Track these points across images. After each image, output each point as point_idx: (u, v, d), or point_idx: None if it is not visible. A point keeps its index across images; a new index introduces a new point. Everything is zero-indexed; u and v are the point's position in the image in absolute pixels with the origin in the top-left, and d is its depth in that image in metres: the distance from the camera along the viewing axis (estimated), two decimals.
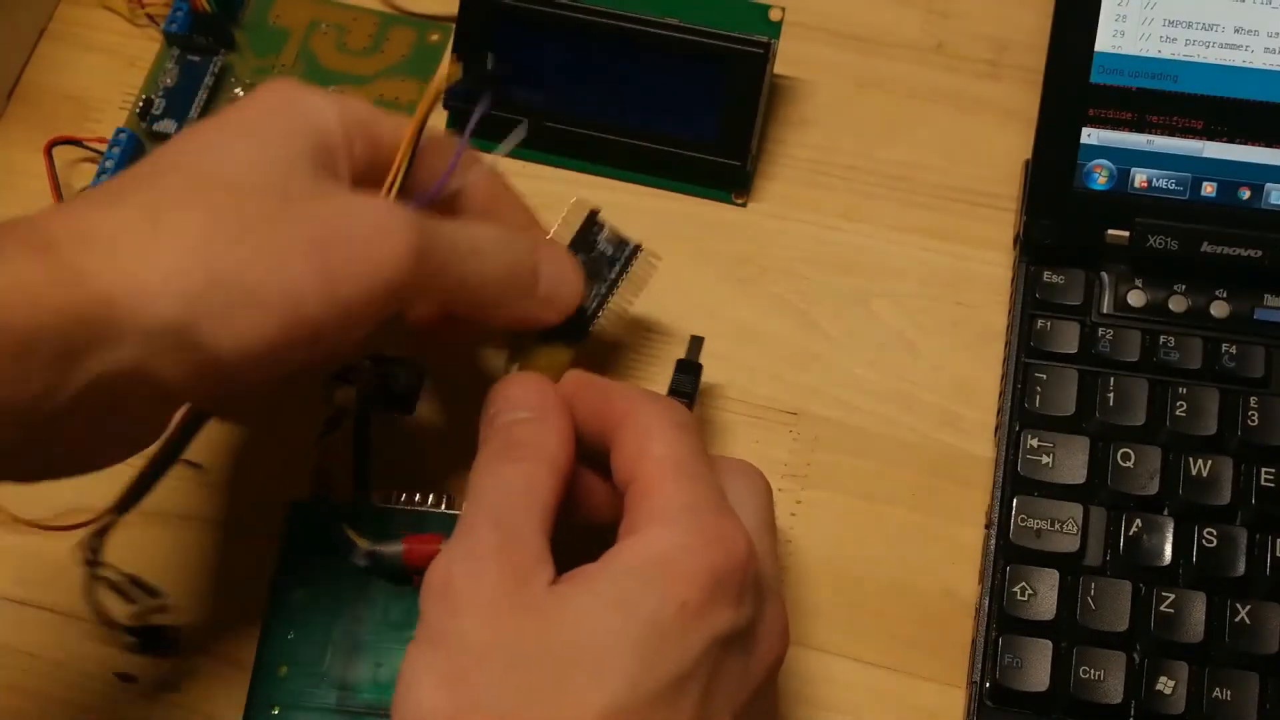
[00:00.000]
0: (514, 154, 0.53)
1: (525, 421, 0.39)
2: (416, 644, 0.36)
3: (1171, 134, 0.48)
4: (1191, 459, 0.45)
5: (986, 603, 0.45)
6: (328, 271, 0.36)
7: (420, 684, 0.34)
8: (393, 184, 0.40)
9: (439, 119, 0.54)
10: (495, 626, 0.34)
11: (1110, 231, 0.48)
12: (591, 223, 0.45)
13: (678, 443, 0.38)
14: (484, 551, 0.36)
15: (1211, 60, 0.48)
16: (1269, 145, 0.48)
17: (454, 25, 0.53)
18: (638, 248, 0.46)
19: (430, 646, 0.35)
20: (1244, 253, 0.47)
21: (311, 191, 0.37)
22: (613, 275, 0.45)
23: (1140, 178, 0.48)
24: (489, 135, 0.53)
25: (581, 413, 0.40)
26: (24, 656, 0.47)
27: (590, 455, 0.40)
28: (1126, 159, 0.48)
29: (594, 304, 0.45)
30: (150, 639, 0.46)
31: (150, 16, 0.56)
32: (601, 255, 0.45)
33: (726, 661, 0.36)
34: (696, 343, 0.46)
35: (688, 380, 0.45)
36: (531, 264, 0.42)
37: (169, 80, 0.55)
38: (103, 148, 0.53)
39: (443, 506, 0.46)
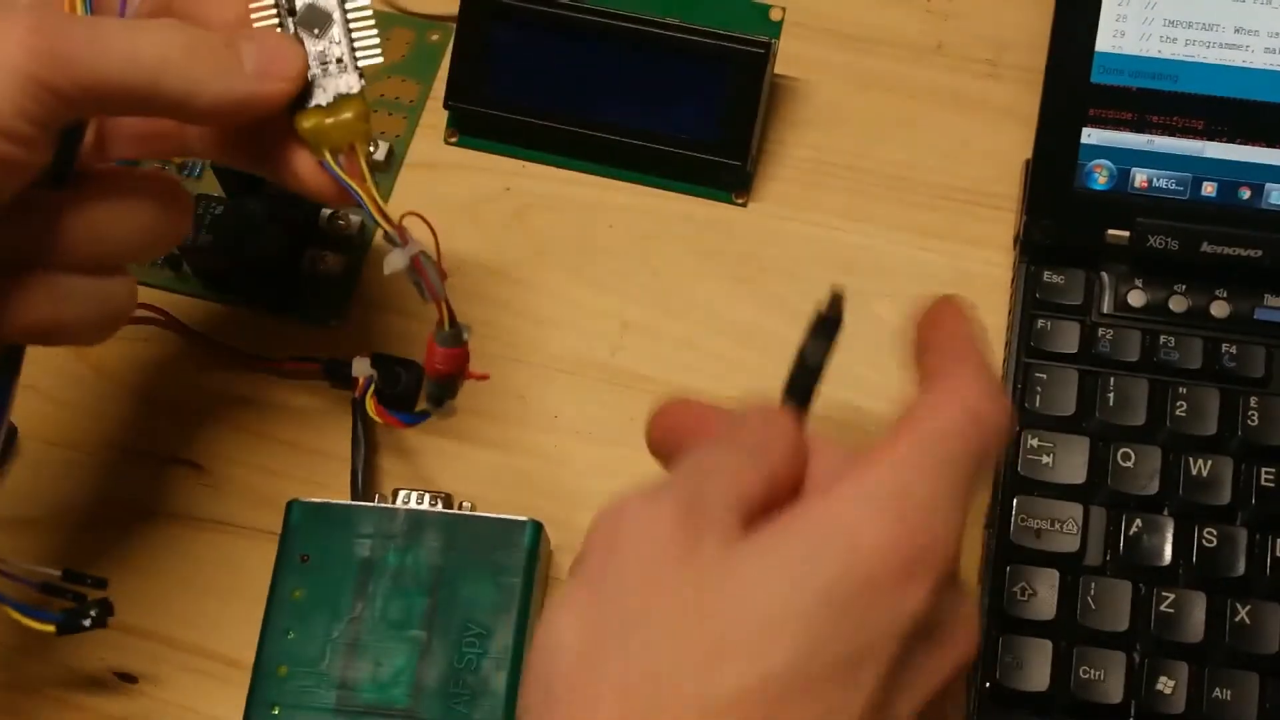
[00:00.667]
0: (514, 154, 0.54)
1: (753, 423, 0.36)
2: (573, 578, 0.34)
3: (1172, 134, 0.48)
4: (1191, 459, 0.45)
5: (986, 602, 0.45)
6: None
7: (564, 625, 0.32)
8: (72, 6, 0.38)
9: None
10: (657, 577, 0.32)
11: (1110, 231, 0.48)
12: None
13: (955, 431, 0.34)
14: (664, 497, 0.33)
15: (1212, 60, 0.48)
16: (1269, 145, 0.48)
17: (454, 25, 0.53)
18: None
19: (584, 584, 0.33)
20: (1244, 253, 0.47)
21: None
22: (334, 4, 0.40)
23: (1140, 178, 0.48)
24: (490, 134, 0.54)
25: (929, 340, 0.37)
26: (23, 656, 0.47)
27: None
28: (1127, 159, 0.48)
29: (346, 50, 0.40)
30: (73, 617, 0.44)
31: None
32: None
33: (914, 652, 0.32)
34: (836, 301, 0.39)
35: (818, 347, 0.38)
36: (222, 42, 0.38)
37: None
38: None
39: (439, 506, 0.46)
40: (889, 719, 0.32)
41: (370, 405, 0.46)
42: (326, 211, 0.52)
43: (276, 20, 0.40)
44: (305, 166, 0.40)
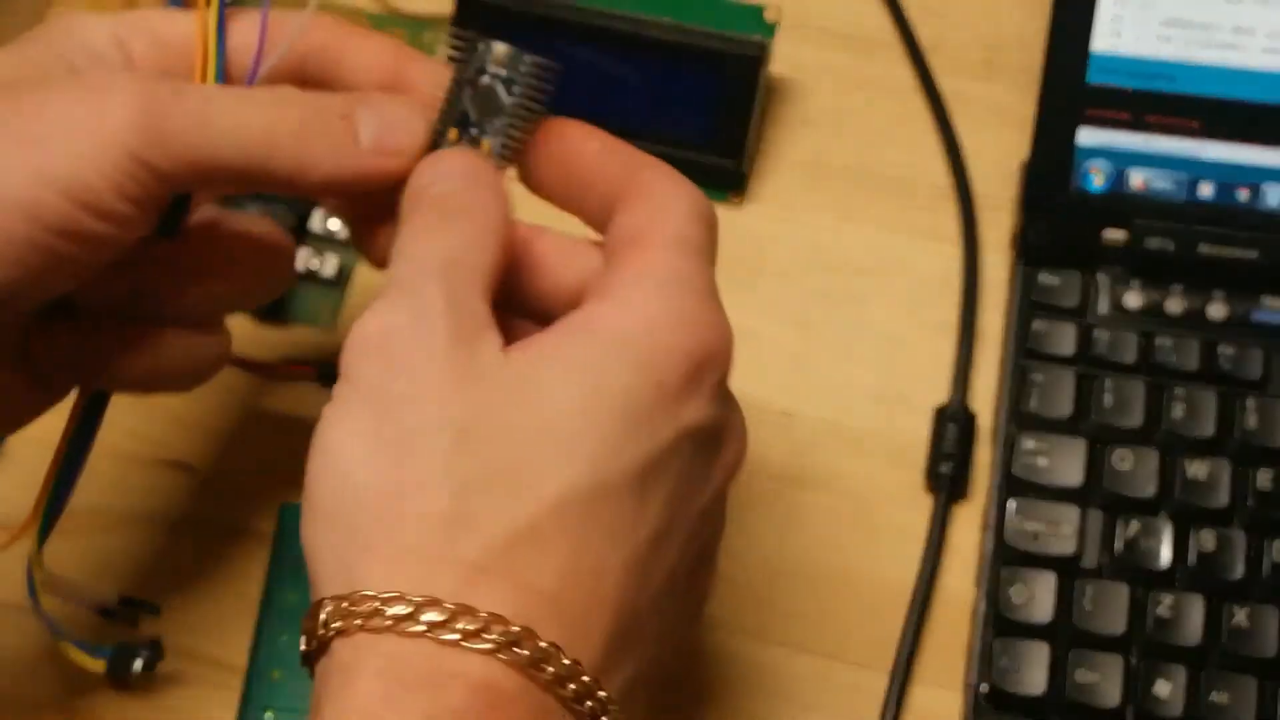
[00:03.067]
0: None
1: (459, 189, 0.35)
2: (339, 403, 0.32)
3: (1168, 134, 0.48)
4: (1189, 461, 0.45)
5: (983, 606, 0.44)
6: (45, 149, 0.32)
7: (349, 450, 0.31)
8: (204, 75, 0.36)
9: None
10: (444, 393, 0.31)
11: (1107, 233, 0.48)
12: (471, 47, 0.38)
13: (691, 221, 0.34)
14: (429, 308, 0.32)
15: (1208, 61, 0.48)
16: (1266, 146, 0.48)
17: (448, 26, 0.53)
18: (533, 60, 0.37)
19: (363, 408, 0.31)
20: (1241, 254, 0.47)
21: (39, 86, 0.34)
22: (510, 104, 0.37)
23: (1137, 179, 0.48)
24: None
25: (588, 166, 0.36)
26: (18, 661, 0.47)
27: (586, 218, 0.36)
28: (1123, 160, 0.48)
29: (497, 146, 0.37)
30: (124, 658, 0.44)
31: None
32: (494, 80, 0.38)
33: (696, 458, 0.33)
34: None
35: None
36: (339, 113, 0.36)
37: None
38: None
39: None
40: (675, 526, 0.32)
41: None
42: (320, 213, 0.52)
43: (453, 92, 0.37)
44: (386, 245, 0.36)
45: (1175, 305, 0.47)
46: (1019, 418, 0.46)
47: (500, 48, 0.37)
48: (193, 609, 0.47)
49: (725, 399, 0.34)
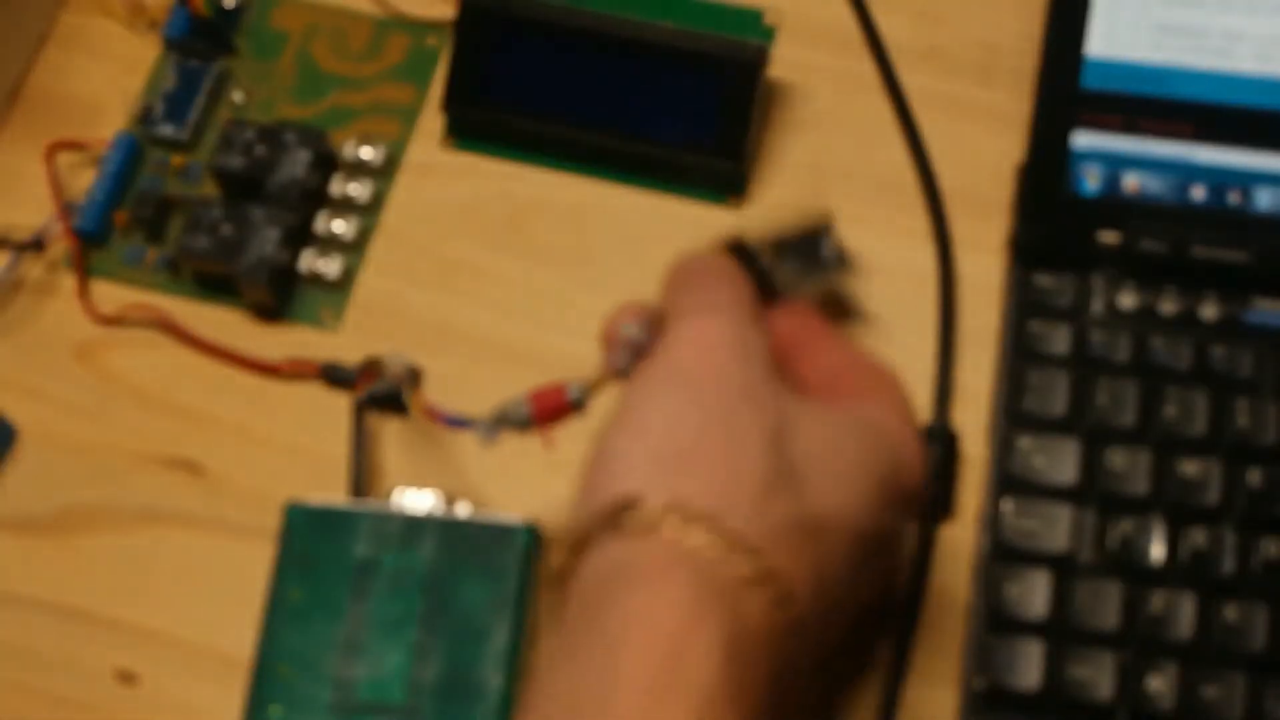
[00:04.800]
0: (511, 157, 0.54)
1: (728, 269, 0.43)
2: (655, 377, 0.38)
3: (1161, 138, 0.48)
4: (1181, 460, 0.45)
5: (978, 603, 0.45)
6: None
7: (678, 405, 0.37)
8: None
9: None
10: (769, 388, 0.37)
11: (1101, 235, 0.48)
12: (827, 229, 0.47)
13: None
14: (744, 323, 0.39)
15: (1200, 66, 0.48)
16: (1257, 149, 0.48)
17: (451, 30, 0.53)
18: (849, 264, 0.47)
19: (683, 382, 0.37)
20: (1233, 256, 0.47)
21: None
22: (813, 274, 0.46)
23: (1131, 181, 0.49)
24: (487, 138, 0.54)
25: (812, 354, 0.43)
26: (26, 655, 0.48)
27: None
28: (1117, 163, 0.49)
29: (787, 286, 0.45)
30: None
31: (150, 22, 0.57)
32: (821, 256, 0.47)
33: (886, 554, 0.43)
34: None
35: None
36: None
37: (168, 85, 0.55)
38: (103, 151, 0.54)
39: (438, 505, 0.46)
40: (849, 602, 0.40)
41: (414, 404, 0.47)
42: (324, 215, 0.52)
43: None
44: None
45: (1168, 306, 0.48)
46: (1014, 417, 0.47)
47: (837, 241, 0.47)
48: (199, 605, 0.48)
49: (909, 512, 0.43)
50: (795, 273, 0.45)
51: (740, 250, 0.44)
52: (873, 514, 0.38)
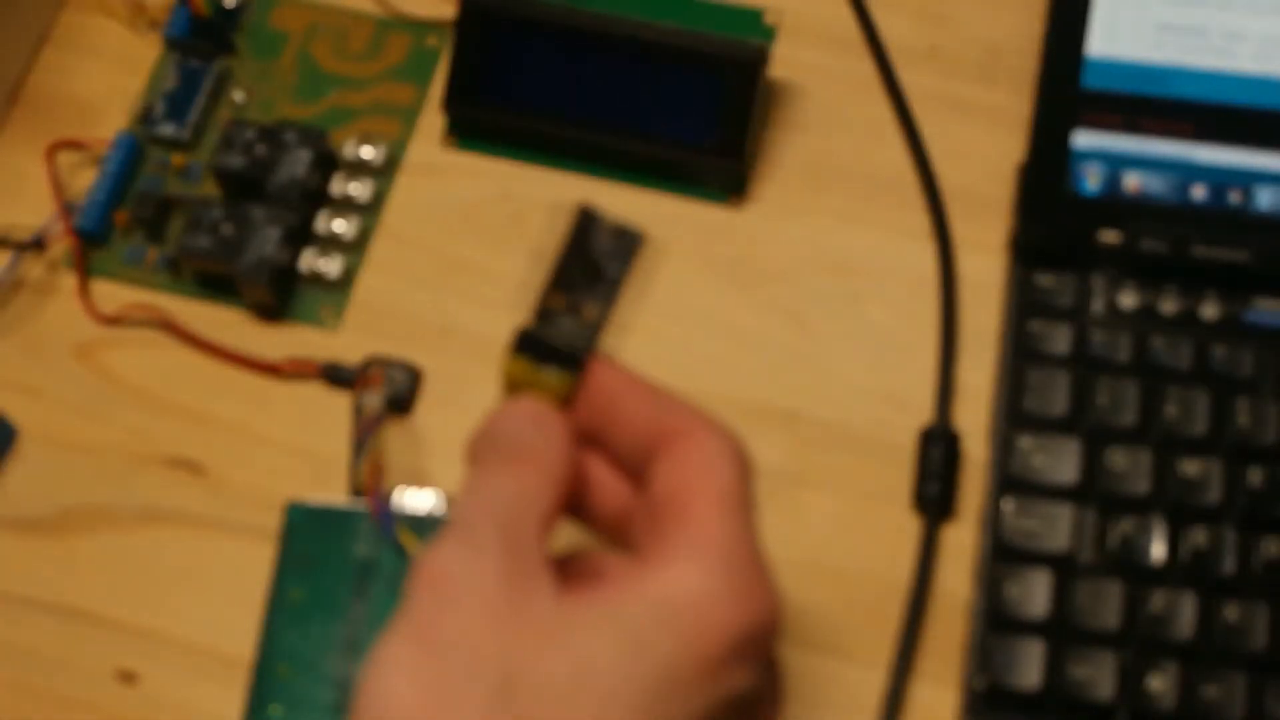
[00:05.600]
0: (512, 156, 0.54)
1: (525, 439, 0.36)
2: (398, 634, 0.32)
3: (1162, 138, 0.48)
4: (1182, 460, 0.45)
5: (979, 602, 0.45)
6: None
7: (397, 679, 0.31)
8: None
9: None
10: (493, 635, 0.32)
11: (1102, 234, 0.48)
12: (588, 224, 0.39)
13: (736, 480, 0.35)
14: (486, 547, 0.33)
15: (1201, 65, 0.48)
16: (1257, 149, 0.48)
17: (451, 29, 0.53)
18: (639, 238, 0.39)
19: (413, 639, 0.32)
20: (1233, 255, 0.47)
21: None
22: (616, 277, 0.39)
23: (1131, 181, 0.49)
24: (488, 138, 0.54)
25: (625, 414, 0.37)
26: (26, 655, 0.48)
27: (615, 454, 0.37)
28: (1118, 162, 0.49)
29: (599, 315, 0.39)
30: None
31: (150, 22, 0.57)
32: (601, 255, 0.39)
33: None
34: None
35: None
36: None
37: (169, 85, 0.55)
38: (104, 151, 0.54)
39: (439, 504, 0.46)
40: None
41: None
42: (324, 215, 0.52)
43: (562, 262, 0.38)
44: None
45: (1169, 306, 0.48)
46: (1015, 417, 0.47)
47: (609, 222, 0.39)
48: (200, 605, 0.48)
49: (769, 665, 0.35)
50: (595, 294, 0.38)
51: (528, 343, 0.38)
52: (659, 718, 0.32)
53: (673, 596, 0.33)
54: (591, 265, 0.39)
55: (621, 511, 0.38)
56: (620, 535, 0.38)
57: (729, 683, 0.33)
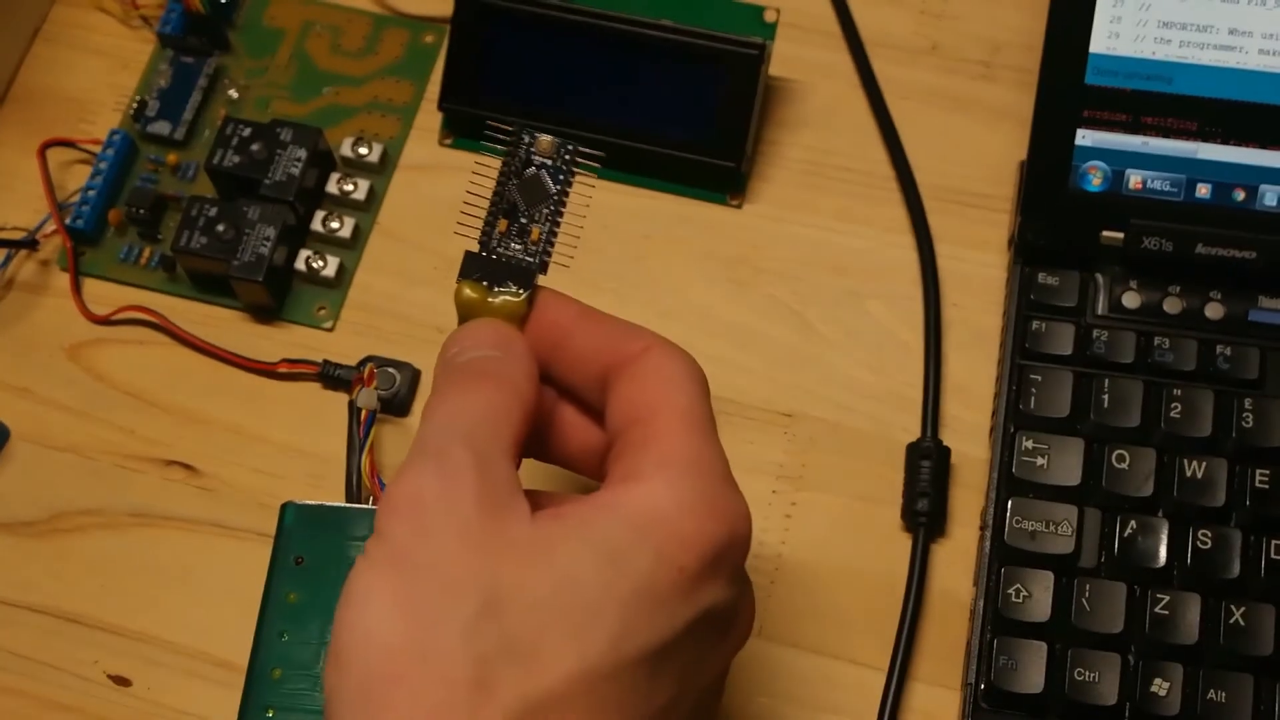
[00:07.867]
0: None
1: (488, 357, 0.36)
2: (370, 561, 0.32)
3: (1166, 135, 0.48)
4: (1186, 460, 0.45)
5: (981, 604, 0.45)
6: None
7: (374, 606, 0.31)
8: None
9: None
10: (472, 557, 0.31)
11: (1105, 233, 0.48)
12: (516, 139, 0.39)
13: (697, 397, 0.35)
14: (458, 471, 0.32)
15: (1205, 62, 0.48)
16: (1263, 147, 0.48)
17: (448, 26, 0.53)
18: (575, 148, 0.39)
19: (390, 567, 0.32)
20: (1238, 254, 0.47)
21: None
22: (556, 190, 0.39)
23: (1135, 179, 0.48)
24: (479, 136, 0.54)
25: (580, 343, 0.37)
26: (18, 659, 0.47)
27: (573, 390, 0.37)
28: (1121, 160, 0.48)
29: (545, 232, 0.38)
30: None
31: (144, 18, 0.56)
32: (540, 170, 0.39)
33: (707, 638, 0.34)
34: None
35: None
36: None
37: (163, 82, 0.55)
38: (97, 149, 0.53)
39: None
40: (682, 699, 0.33)
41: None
42: (320, 214, 0.52)
43: (501, 183, 0.38)
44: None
45: (1173, 305, 0.48)
46: (1017, 417, 0.46)
47: (545, 138, 0.39)
48: (193, 607, 0.47)
49: (741, 580, 0.35)
50: (539, 212, 0.38)
51: (476, 265, 0.38)
52: (642, 633, 0.32)
53: (647, 510, 0.33)
54: (532, 183, 0.39)
55: (592, 448, 0.38)
56: (594, 472, 0.37)
57: (708, 594, 0.33)
